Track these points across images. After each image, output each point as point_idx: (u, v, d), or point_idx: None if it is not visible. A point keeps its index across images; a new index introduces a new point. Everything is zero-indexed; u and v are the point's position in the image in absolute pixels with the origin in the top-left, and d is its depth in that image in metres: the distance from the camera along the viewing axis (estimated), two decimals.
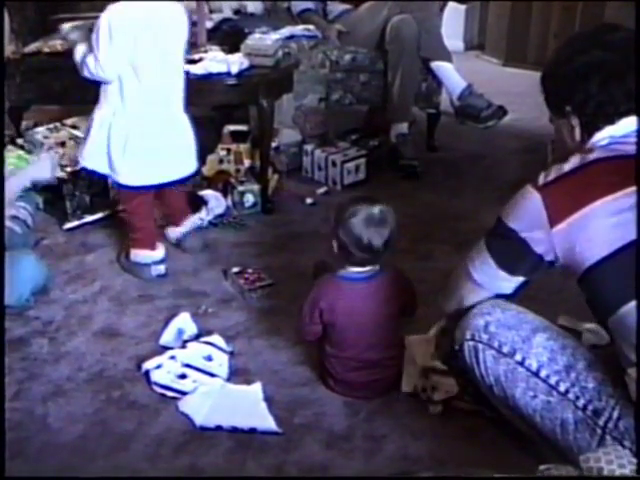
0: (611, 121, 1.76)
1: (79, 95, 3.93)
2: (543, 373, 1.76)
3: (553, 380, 1.75)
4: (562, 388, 1.74)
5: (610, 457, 1.21)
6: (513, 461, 1.90)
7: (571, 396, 1.73)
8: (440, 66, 3.98)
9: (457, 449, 2.00)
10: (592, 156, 1.71)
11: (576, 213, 1.65)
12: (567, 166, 1.73)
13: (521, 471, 1.50)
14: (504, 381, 1.81)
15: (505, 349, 1.80)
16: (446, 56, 4.00)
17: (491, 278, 1.84)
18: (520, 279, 1.83)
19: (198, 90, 3.23)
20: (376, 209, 2.15)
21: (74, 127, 3.64)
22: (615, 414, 1.67)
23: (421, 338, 2.25)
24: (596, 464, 1.21)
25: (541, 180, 1.73)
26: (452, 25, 5.48)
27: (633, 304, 1.60)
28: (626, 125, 1.75)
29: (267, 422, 2.09)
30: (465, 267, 1.89)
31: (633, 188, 1.63)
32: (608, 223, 1.63)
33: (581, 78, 1.77)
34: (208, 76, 3.16)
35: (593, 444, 1.67)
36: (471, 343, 1.84)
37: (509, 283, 1.84)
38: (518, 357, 1.79)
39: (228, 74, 3.16)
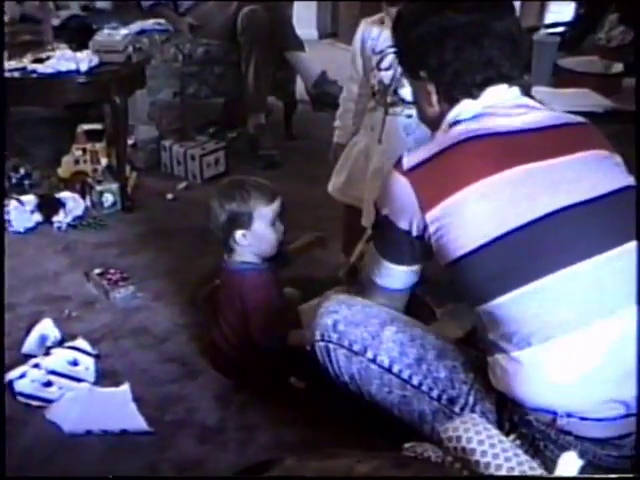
0: (469, 93, 1.64)
1: None
2: (395, 368, 1.74)
3: (406, 374, 1.73)
4: (415, 381, 1.72)
5: (467, 425, 1.26)
6: (379, 439, 1.87)
7: (425, 388, 1.72)
8: (294, 55, 4.03)
9: (329, 431, 2.01)
10: (460, 134, 1.60)
11: (449, 198, 1.55)
12: (434, 146, 1.62)
13: (384, 448, 1.52)
14: (359, 379, 1.78)
15: (356, 347, 1.76)
16: (299, 45, 4.05)
17: (388, 277, 1.79)
18: (414, 267, 1.77)
19: (47, 89, 3.16)
20: None
21: None
22: (470, 399, 1.68)
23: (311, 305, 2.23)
24: (454, 433, 1.25)
25: (405, 164, 1.62)
26: (304, 15, 5.55)
27: (507, 297, 1.54)
28: (493, 96, 1.64)
29: (137, 422, 2.07)
30: (367, 275, 1.85)
31: (508, 171, 1.55)
32: (483, 209, 1.55)
33: (435, 42, 1.63)
34: (57, 74, 3.08)
35: None
36: (322, 344, 1.80)
37: (404, 274, 1.78)
38: (369, 354, 1.75)
39: (77, 72, 3.09)
